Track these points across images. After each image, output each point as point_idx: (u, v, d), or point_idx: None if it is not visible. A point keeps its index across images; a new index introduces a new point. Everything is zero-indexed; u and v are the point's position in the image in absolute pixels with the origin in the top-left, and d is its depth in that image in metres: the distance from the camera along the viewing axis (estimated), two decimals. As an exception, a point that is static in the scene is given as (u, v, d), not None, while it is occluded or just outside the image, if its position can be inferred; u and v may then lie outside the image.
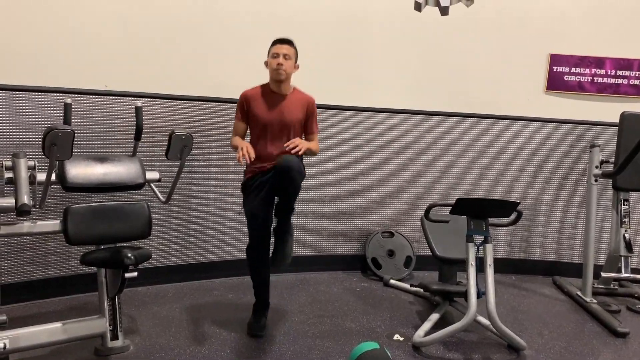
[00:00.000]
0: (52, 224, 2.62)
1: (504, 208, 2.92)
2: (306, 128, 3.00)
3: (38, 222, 2.62)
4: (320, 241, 4.15)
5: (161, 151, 3.43)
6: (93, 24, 3.28)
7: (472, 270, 2.92)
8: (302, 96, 2.97)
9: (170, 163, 3.26)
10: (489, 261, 2.92)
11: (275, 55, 2.84)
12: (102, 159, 2.85)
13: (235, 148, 2.85)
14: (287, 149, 2.75)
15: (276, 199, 2.86)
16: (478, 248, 2.97)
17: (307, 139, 3.01)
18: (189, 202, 3.69)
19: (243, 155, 2.68)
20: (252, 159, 2.71)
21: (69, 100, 2.75)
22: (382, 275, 4.03)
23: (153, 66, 3.47)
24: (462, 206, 2.88)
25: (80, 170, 2.72)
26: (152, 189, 3.01)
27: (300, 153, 2.76)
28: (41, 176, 2.54)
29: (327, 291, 3.77)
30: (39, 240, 3.24)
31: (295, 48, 2.90)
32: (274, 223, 2.90)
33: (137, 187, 2.87)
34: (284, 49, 2.84)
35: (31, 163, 2.55)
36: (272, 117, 2.89)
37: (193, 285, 3.70)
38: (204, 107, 3.65)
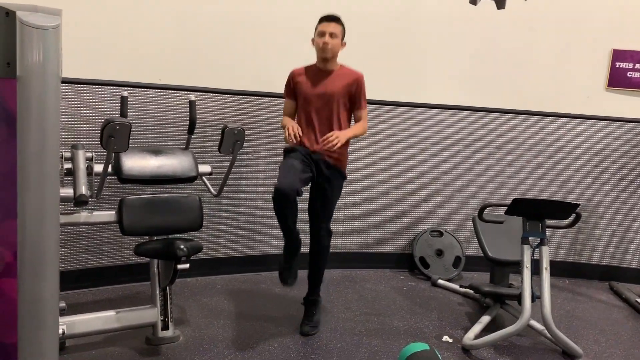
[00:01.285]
0: (108, 215, 2.68)
1: (563, 210, 2.81)
2: (353, 104, 2.94)
3: (94, 212, 2.69)
4: (368, 238, 4.11)
5: (212, 145, 3.49)
6: (149, 19, 3.33)
7: (527, 273, 2.82)
8: (349, 72, 2.93)
9: (220, 157, 3.28)
10: (545, 264, 2.81)
11: (322, 34, 2.82)
12: (156, 151, 2.90)
13: (284, 127, 2.88)
14: (324, 146, 2.71)
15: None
16: (533, 250, 2.87)
17: (355, 115, 2.97)
18: (238, 195, 3.72)
19: (289, 135, 2.72)
20: (299, 140, 2.75)
21: (125, 93, 2.80)
22: (430, 274, 3.95)
23: (205, 61, 3.50)
24: (519, 206, 2.78)
25: (135, 163, 2.77)
26: (204, 182, 3.04)
27: (338, 146, 2.71)
28: (98, 167, 2.60)
29: (373, 289, 3.73)
30: (94, 230, 3.33)
31: (342, 25, 2.87)
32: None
33: (190, 180, 2.91)
34: (330, 27, 2.82)
35: (89, 154, 2.61)
36: (315, 91, 2.88)
37: (240, 277, 3.73)
38: (254, 101, 3.67)
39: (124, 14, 3.27)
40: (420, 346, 2.48)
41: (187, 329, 2.91)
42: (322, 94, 2.87)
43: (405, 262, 4.15)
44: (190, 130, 3.00)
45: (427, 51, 3.96)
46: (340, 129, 2.86)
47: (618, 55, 3.98)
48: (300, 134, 2.77)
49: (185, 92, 3.39)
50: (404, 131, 4.03)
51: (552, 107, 4.08)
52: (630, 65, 3.97)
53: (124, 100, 2.79)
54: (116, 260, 3.42)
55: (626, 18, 3.95)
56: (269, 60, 3.64)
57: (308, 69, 2.97)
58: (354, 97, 2.92)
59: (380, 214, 4.10)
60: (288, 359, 2.68)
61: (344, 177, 2.98)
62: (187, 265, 2.55)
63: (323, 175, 2.86)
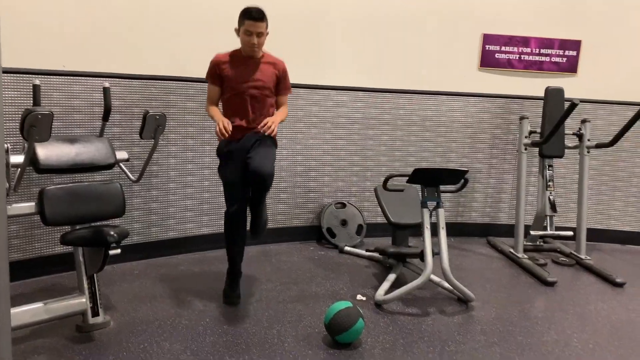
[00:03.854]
0: (28, 206, 2.62)
1: (455, 176, 3.23)
2: (278, 90, 3.10)
3: (14, 205, 2.61)
4: (277, 214, 4.33)
5: (120, 130, 3.48)
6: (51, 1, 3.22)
7: (427, 233, 3.23)
8: (273, 60, 3.07)
9: (127, 142, 3.29)
10: (442, 224, 3.23)
11: (249, 34, 2.88)
12: (71, 140, 2.86)
13: (212, 118, 2.96)
14: (262, 131, 2.84)
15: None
16: (431, 213, 3.28)
17: (277, 100, 3.13)
18: (149, 180, 3.74)
19: (220, 130, 2.79)
20: (229, 134, 2.83)
21: (37, 82, 2.73)
22: (337, 243, 4.28)
23: (111, 45, 3.46)
24: (418, 175, 3.16)
25: (51, 152, 2.73)
26: (122, 169, 3.05)
27: (274, 134, 2.89)
28: (14, 159, 2.53)
29: (288, 260, 3.98)
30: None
31: (266, 20, 2.92)
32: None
33: (109, 167, 2.91)
34: (257, 26, 2.87)
35: (5, 146, 2.52)
36: (245, 80, 2.97)
37: (157, 262, 3.78)
38: (161, 85, 3.69)
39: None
40: (344, 304, 2.78)
41: (115, 314, 2.94)
42: (253, 84, 2.97)
43: (313, 233, 4.45)
44: (105, 117, 3.00)
45: (326, 39, 4.23)
46: (269, 113, 3.03)
47: (488, 39, 4.54)
48: (230, 128, 2.82)
49: (90, 78, 3.34)
50: (306, 112, 4.28)
51: (434, 86, 4.56)
52: (498, 48, 4.55)
53: (36, 88, 2.72)
54: (27, 253, 3.31)
55: (494, 6, 4.51)
56: (175, 44, 3.67)
57: (233, 56, 3.02)
58: (279, 83, 3.08)
59: (287, 191, 4.33)
60: (222, 331, 2.83)
61: (276, 146, 3.09)
62: (118, 251, 2.60)
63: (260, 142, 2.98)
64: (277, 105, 3.16)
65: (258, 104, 3.01)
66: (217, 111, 3.03)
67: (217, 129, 2.81)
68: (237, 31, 2.98)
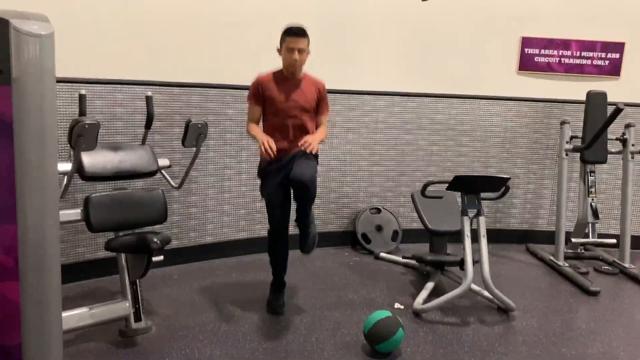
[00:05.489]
0: (74, 213, 2.69)
1: (496, 183, 3.19)
2: (319, 109, 3.13)
3: (60, 212, 2.67)
4: (313, 219, 4.33)
5: (159, 137, 3.55)
6: (92, 13, 3.29)
7: (467, 241, 3.18)
8: (313, 80, 3.10)
9: (164, 148, 3.34)
10: (482, 232, 3.19)
11: (291, 50, 2.91)
12: (115, 147, 2.92)
13: (254, 137, 2.99)
14: (302, 148, 2.83)
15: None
16: (471, 220, 3.23)
17: (318, 120, 3.15)
18: (188, 186, 3.79)
19: (265, 150, 2.79)
20: (275, 154, 2.82)
21: (83, 92, 2.79)
22: (372, 249, 4.26)
23: (151, 54, 3.52)
24: (459, 182, 3.12)
25: (95, 160, 2.78)
26: (164, 175, 3.10)
27: (315, 151, 2.87)
28: (60, 166, 2.59)
29: (323, 266, 3.98)
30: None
31: (308, 37, 2.96)
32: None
33: (151, 174, 2.96)
34: (298, 43, 2.90)
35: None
36: (288, 101, 3.00)
37: (195, 266, 3.83)
38: (200, 93, 3.74)
39: (71, 9, 3.21)
40: (383, 313, 2.76)
41: (156, 319, 2.99)
42: (295, 104, 3.01)
43: (347, 239, 4.44)
44: (148, 125, 3.05)
45: (361, 42, 4.22)
46: (310, 133, 3.04)
47: (527, 42, 4.46)
48: (275, 147, 2.82)
49: (132, 86, 3.41)
50: (342, 117, 4.27)
51: (471, 90, 4.50)
52: (537, 51, 4.47)
53: (82, 98, 2.78)
54: (70, 257, 3.39)
55: (533, 9, 4.42)
56: (214, 53, 3.72)
57: (276, 77, 3.05)
58: (318, 104, 3.12)
59: (322, 196, 4.33)
60: (260, 338, 2.85)
61: (317, 158, 3.09)
62: (161, 257, 2.65)
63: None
64: (317, 125, 3.17)
65: (299, 125, 3.03)
66: (258, 130, 3.06)
67: (262, 149, 2.81)
68: (279, 50, 3.01)
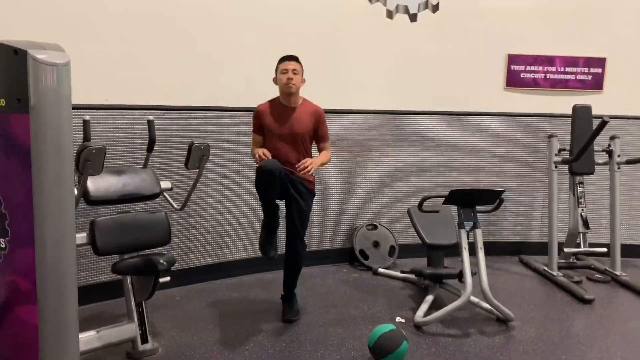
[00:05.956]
0: (80, 237, 2.71)
1: (491, 196, 3.28)
2: (317, 137, 3.26)
3: (67, 236, 2.71)
4: (310, 237, 4.37)
5: (159, 160, 3.60)
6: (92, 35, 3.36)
7: (465, 254, 3.26)
8: (310, 107, 3.22)
9: (166, 171, 3.39)
10: (480, 244, 3.27)
11: (285, 72, 3.08)
12: (118, 171, 2.97)
13: (253, 156, 3.14)
14: (299, 171, 3.02)
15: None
16: (468, 233, 3.31)
17: (319, 147, 3.29)
18: (187, 207, 3.80)
19: (260, 157, 2.97)
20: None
21: (87, 117, 2.83)
22: (370, 265, 4.32)
23: (151, 79, 3.58)
24: (455, 196, 3.20)
25: (100, 184, 2.82)
26: (166, 198, 3.15)
27: (311, 172, 3.04)
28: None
29: (323, 284, 4.02)
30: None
31: (301, 64, 3.15)
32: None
33: (154, 196, 3.01)
34: (291, 65, 3.09)
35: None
36: (283, 128, 3.14)
37: (196, 287, 3.85)
38: (199, 116, 3.81)
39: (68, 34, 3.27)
40: (387, 327, 2.82)
41: (162, 341, 3.01)
42: (290, 132, 3.14)
43: (344, 256, 4.49)
44: (150, 148, 3.10)
45: (352, 62, 4.33)
46: (305, 157, 3.15)
47: (513, 59, 4.61)
48: (269, 155, 3.00)
49: (131, 111, 3.47)
50: (336, 136, 4.35)
51: (461, 107, 4.62)
52: (523, 68, 4.61)
53: (86, 124, 2.82)
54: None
55: (518, 27, 4.58)
56: (212, 77, 3.80)
57: (273, 105, 3.20)
58: (317, 131, 3.23)
59: (319, 214, 4.39)
60: (267, 355, 2.88)
61: (314, 195, 3.30)
62: (167, 278, 2.69)
63: (298, 192, 3.13)
64: (319, 151, 3.31)
65: (293, 151, 3.15)
66: (257, 148, 3.20)
67: (257, 157, 2.99)
68: (275, 80, 3.17)
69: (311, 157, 3.22)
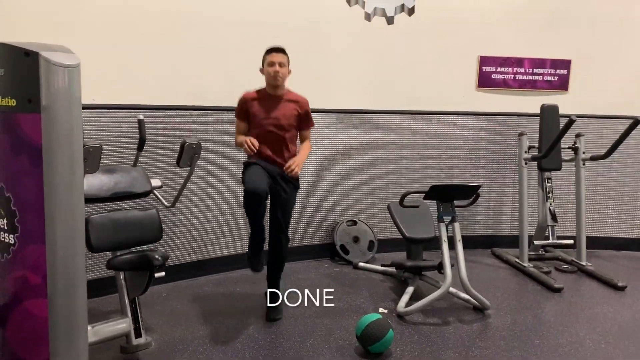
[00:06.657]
0: (74, 235, 2.76)
1: (468, 191, 3.45)
2: (301, 125, 3.36)
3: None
4: (293, 233, 4.49)
5: (146, 159, 3.65)
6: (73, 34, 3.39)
7: (445, 246, 3.43)
8: (296, 97, 3.33)
9: (153, 169, 3.44)
10: (458, 237, 3.44)
11: (272, 64, 3.18)
12: (109, 170, 3.02)
13: (240, 144, 3.21)
14: (287, 172, 3.14)
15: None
16: (447, 227, 3.48)
17: (301, 135, 3.41)
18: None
19: (248, 146, 3.04)
20: (257, 147, 3.07)
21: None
22: (351, 259, 4.46)
23: (137, 78, 3.63)
24: (435, 191, 3.36)
25: (92, 182, 2.87)
26: (156, 196, 3.21)
27: (298, 172, 3.15)
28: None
29: (306, 278, 4.14)
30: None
31: (287, 55, 3.24)
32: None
33: (145, 194, 3.07)
34: (279, 57, 3.18)
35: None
36: (269, 117, 3.23)
37: (182, 284, 3.92)
38: (183, 115, 3.87)
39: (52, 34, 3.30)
40: (374, 316, 2.95)
41: (154, 335, 3.07)
42: (275, 120, 3.23)
43: (325, 251, 4.62)
44: (140, 147, 3.15)
45: (332, 64, 4.45)
46: (289, 147, 3.28)
47: (484, 60, 4.81)
48: (257, 144, 3.08)
49: (118, 110, 3.52)
50: (317, 135, 4.47)
51: (435, 106, 4.80)
52: (494, 69, 4.83)
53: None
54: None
55: (489, 30, 4.79)
56: (197, 77, 3.87)
57: (259, 94, 3.29)
58: (301, 120, 3.34)
59: (301, 210, 4.51)
60: (258, 346, 2.99)
61: (298, 188, 3.40)
62: (162, 273, 2.76)
63: (282, 187, 3.25)
64: (301, 139, 3.42)
65: (280, 139, 3.25)
66: (240, 135, 3.29)
67: (245, 146, 3.06)
68: (262, 70, 3.26)
69: (295, 145, 3.35)
